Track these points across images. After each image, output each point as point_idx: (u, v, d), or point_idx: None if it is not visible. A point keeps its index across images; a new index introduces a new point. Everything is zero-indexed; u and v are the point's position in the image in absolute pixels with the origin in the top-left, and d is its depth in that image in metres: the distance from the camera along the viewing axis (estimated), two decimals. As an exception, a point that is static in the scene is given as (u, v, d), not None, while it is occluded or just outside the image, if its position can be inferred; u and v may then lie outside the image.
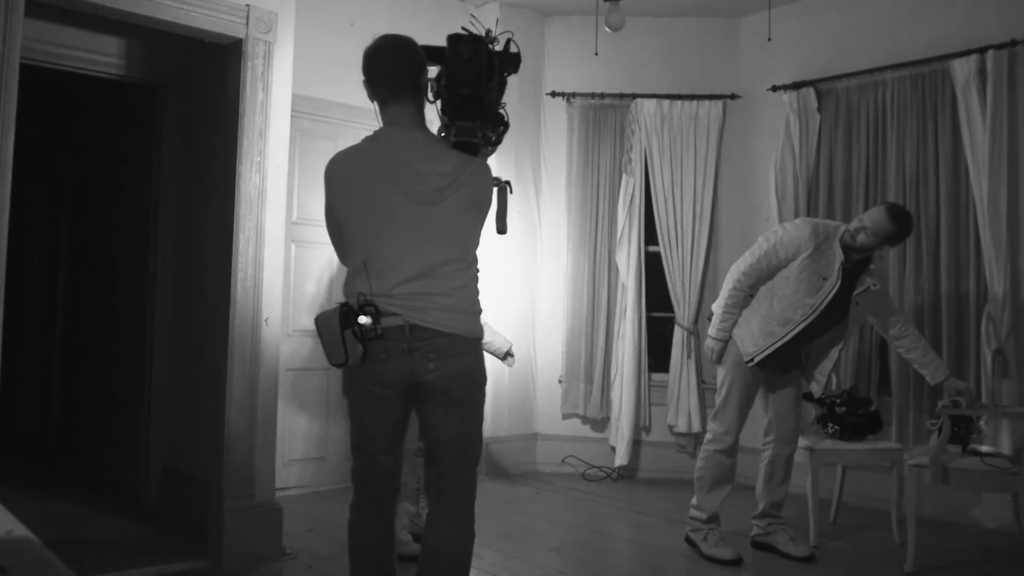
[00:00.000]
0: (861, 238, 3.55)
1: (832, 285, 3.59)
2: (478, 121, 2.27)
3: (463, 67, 2.23)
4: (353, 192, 2.24)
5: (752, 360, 3.69)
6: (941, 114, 4.60)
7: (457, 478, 2.35)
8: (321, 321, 2.21)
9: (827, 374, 3.89)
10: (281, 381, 3.73)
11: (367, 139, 2.31)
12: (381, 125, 2.35)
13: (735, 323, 3.76)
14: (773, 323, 3.66)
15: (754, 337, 3.69)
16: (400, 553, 3.60)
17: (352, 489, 2.38)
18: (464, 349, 2.32)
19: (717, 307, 3.82)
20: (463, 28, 2.28)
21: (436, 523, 2.34)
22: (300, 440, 4.77)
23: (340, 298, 5.33)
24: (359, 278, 2.21)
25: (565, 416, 5.66)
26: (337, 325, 2.16)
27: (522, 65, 6.40)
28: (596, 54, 4.90)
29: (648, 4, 5.40)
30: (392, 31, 5.72)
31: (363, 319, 2.14)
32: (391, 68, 2.30)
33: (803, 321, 3.62)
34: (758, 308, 3.73)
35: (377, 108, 2.34)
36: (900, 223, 3.57)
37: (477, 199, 2.33)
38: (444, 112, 2.29)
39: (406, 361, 2.21)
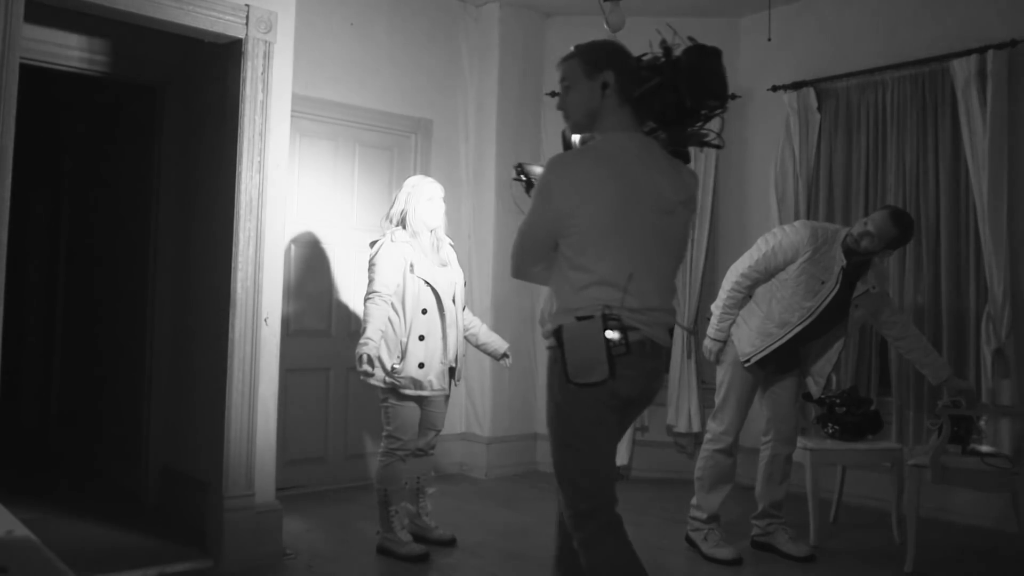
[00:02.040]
0: (865, 243, 3.55)
1: (831, 288, 3.59)
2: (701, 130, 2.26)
3: (717, 80, 2.20)
4: (597, 200, 2.09)
5: (748, 361, 3.70)
6: (941, 114, 4.60)
7: None
8: (575, 335, 2.07)
9: (826, 375, 3.90)
10: (281, 381, 3.72)
11: (599, 143, 2.19)
12: (596, 126, 2.23)
13: (733, 323, 3.76)
14: (771, 325, 3.66)
15: (751, 338, 3.70)
16: (400, 553, 3.61)
17: (578, 522, 2.15)
18: None
19: (715, 307, 3.83)
20: (671, 40, 2.23)
21: None
22: (300, 440, 4.77)
23: (341, 298, 5.32)
24: (601, 287, 2.08)
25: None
26: (602, 341, 2.03)
27: (522, 65, 6.43)
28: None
29: (648, 4, 5.40)
30: (392, 32, 5.76)
31: (612, 334, 2.05)
32: (639, 72, 2.19)
33: (800, 324, 3.63)
34: (756, 309, 3.73)
35: (601, 106, 2.18)
36: (903, 227, 3.57)
37: (695, 211, 2.30)
38: (668, 120, 2.23)
39: (648, 377, 2.18)
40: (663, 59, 2.20)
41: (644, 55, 2.24)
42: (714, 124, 2.28)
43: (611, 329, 2.05)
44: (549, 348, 2.18)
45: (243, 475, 3.47)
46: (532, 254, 2.21)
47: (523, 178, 2.59)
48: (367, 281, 3.63)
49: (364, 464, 4.95)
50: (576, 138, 2.40)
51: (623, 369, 2.06)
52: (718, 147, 2.30)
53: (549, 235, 2.15)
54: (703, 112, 2.22)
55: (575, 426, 2.15)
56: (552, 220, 2.13)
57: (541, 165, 2.62)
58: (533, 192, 2.19)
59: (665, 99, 2.18)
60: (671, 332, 2.26)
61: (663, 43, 2.23)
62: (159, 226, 4.39)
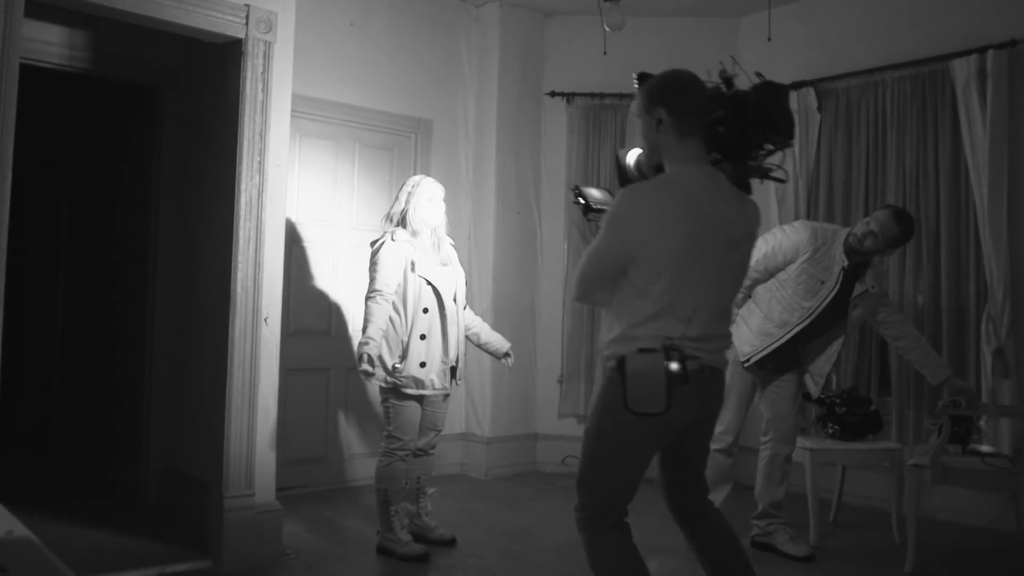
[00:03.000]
0: (869, 242, 3.55)
1: (830, 289, 3.59)
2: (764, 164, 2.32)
3: (784, 116, 2.25)
4: (670, 232, 2.12)
5: (748, 361, 3.70)
6: (941, 114, 4.60)
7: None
8: (638, 367, 2.12)
9: (825, 374, 3.90)
10: (281, 381, 3.72)
11: (671, 176, 2.21)
12: (654, 157, 2.28)
13: (732, 323, 3.77)
14: (770, 325, 3.66)
15: (751, 338, 3.70)
16: (400, 553, 3.61)
17: (586, 523, 2.28)
18: None
19: (716, 307, 3.83)
20: (725, 73, 2.29)
21: (711, 513, 2.44)
22: (300, 440, 4.77)
23: (341, 298, 5.31)
24: (664, 319, 2.14)
25: (563, 415, 5.66)
26: (663, 373, 2.09)
27: (522, 65, 6.43)
28: (605, 53, 4.89)
29: (648, 4, 5.40)
30: (392, 31, 5.75)
31: (673, 365, 2.10)
32: (705, 104, 2.23)
33: (800, 324, 3.63)
34: (756, 309, 3.74)
35: (660, 141, 2.23)
36: (905, 226, 3.58)
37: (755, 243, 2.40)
38: (733, 152, 2.28)
39: (702, 403, 2.24)
40: (726, 90, 2.26)
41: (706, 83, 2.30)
42: (775, 157, 2.32)
43: (672, 360, 2.10)
44: (608, 369, 2.23)
45: (243, 475, 3.47)
46: (600, 281, 2.24)
47: (581, 200, 2.61)
48: (368, 280, 3.63)
49: (364, 464, 4.95)
50: (630, 160, 2.44)
51: (679, 398, 2.12)
52: (782, 181, 2.35)
53: (619, 263, 2.19)
54: (767, 146, 2.27)
55: (614, 447, 2.23)
56: (624, 249, 2.16)
57: (596, 187, 2.65)
58: (605, 220, 2.22)
59: (730, 132, 2.22)
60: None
61: (722, 72, 2.29)
62: (159, 226, 4.39)
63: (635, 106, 2.30)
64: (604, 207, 2.51)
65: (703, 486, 2.44)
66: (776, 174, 2.32)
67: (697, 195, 2.16)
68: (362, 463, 4.97)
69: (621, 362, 2.15)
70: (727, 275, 2.25)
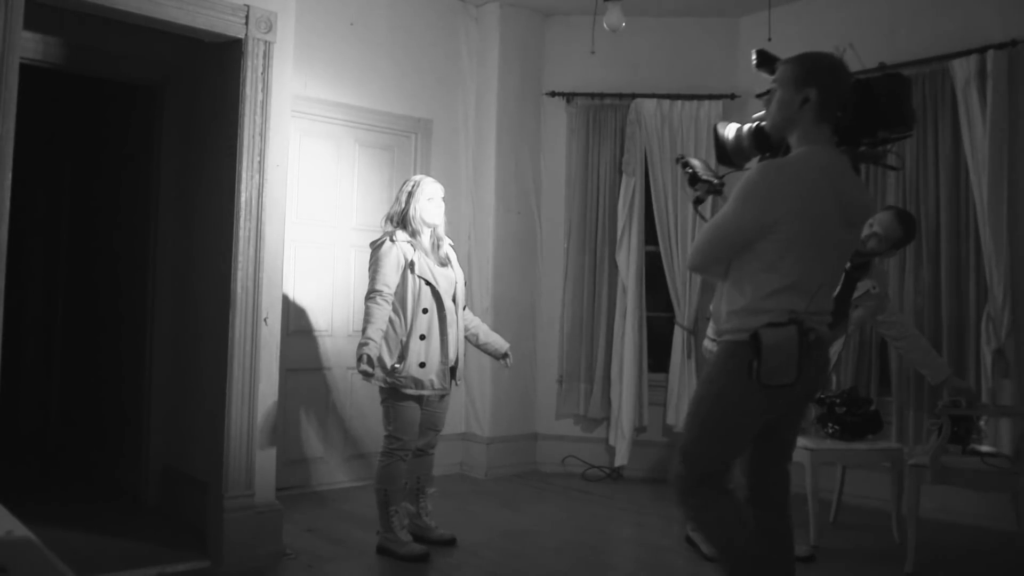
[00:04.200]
0: (872, 244, 3.56)
1: (831, 290, 3.60)
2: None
3: (909, 109, 2.31)
4: (806, 209, 2.18)
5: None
6: (941, 114, 4.60)
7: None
8: (773, 341, 2.15)
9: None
10: (281, 381, 3.72)
11: (807, 155, 2.24)
12: (784, 132, 2.31)
13: None
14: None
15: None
16: (400, 553, 3.61)
17: (690, 488, 2.34)
18: None
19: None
20: (843, 54, 2.36)
21: (785, 508, 2.48)
22: (300, 440, 4.77)
23: (341, 298, 5.29)
24: (790, 293, 2.19)
25: (562, 416, 5.66)
26: (796, 346, 2.15)
27: (522, 65, 6.42)
28: (593, 52, 4.89)
29: (648, 4, 5.40)
30: (392, 32, 5.75)
31: (801, 336, 2.17)
32: (849, 91, 2.27)
33: (800, 324, 3.63)
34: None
35: (799, 118, 2.26)
36: (907, 227, 3.59)
37: None
38: (851, 138, 2.33)
39: (820, 369, 2.34)
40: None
41: None
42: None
43: (801, 333, 2.17)
44: (725, 342, 2.28)
45: (243, 475, 3.47)
46: (724, 253, 2.29)
47: (688, 170, 2.67)
48: (368, 281, 3.63)
49: (364, 464, 4.95)
50: (729, 134, 2.49)
51: (806, 368, 2.19)
52: (896, 168, 2.45)
53: (750, 236, 2.23)
54: (882, 134, 2.32)
55: (734, 417, 2.28)
56: (758, 222, 2.20)
57: (697, 158, 2.70)
58: (739, 193, 2.24)
59: (848, 117, 2.26)
60: None
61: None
62: (159, 226, 4.38)
63: (781, 75, 2.29)
64: (710, 178, 2.60)
65: (787, 471, 2.49)
66: (890, 161, 2.41)
67: (831, 175, 2.22)
68: (362, 463, 4.97)
69: (755, 336, 2.16)
70: (843, 253, 2.35)
